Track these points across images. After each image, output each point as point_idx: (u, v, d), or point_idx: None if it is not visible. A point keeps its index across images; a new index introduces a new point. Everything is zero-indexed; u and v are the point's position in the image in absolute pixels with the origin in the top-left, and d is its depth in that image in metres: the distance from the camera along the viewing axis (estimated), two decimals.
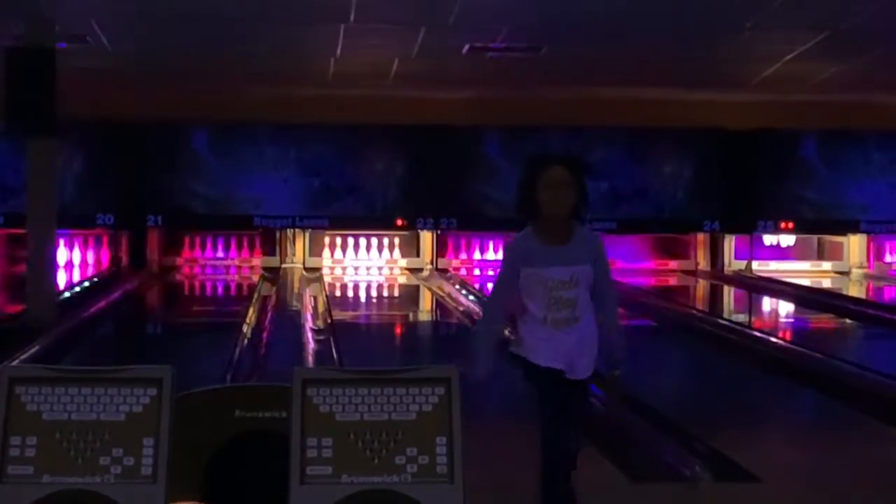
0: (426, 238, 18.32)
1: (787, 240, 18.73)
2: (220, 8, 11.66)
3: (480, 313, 5.67)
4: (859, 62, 14.22)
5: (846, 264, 18.70)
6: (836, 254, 18.92)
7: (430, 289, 16.49)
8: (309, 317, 13.13)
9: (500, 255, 18.70)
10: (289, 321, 12.96)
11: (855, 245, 18.67)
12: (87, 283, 16.17)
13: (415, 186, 17.35)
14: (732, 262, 18.54)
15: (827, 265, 18.88)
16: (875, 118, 17.39)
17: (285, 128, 17.23)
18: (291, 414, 2.24)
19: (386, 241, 18.53)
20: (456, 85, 16.08)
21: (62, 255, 17.10)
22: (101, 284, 15.90)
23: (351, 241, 18.45)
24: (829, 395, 9.17)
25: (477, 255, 18.58)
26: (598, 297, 5.23)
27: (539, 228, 5.17)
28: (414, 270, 18.14)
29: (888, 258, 18.91)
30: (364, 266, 18.41)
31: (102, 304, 13.97)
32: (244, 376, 9.14)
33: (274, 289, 15.86)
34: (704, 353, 11.80)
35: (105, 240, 18.15)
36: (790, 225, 17.86)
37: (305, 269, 17.92)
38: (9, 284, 16.29)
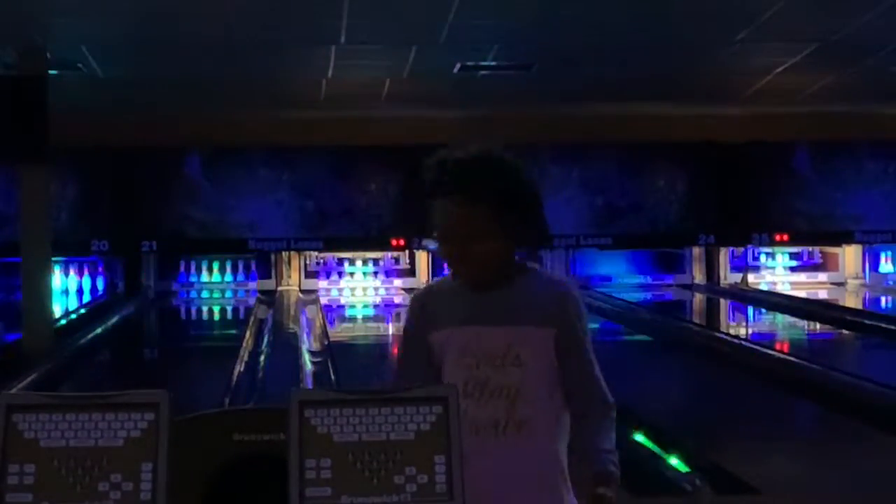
0: (422, 258, 18.31)
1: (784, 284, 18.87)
2: (210, 33, 11.68)
3: None
4: (850, 73, 14.25)
5: (842, 275, 18.71)
6: (832, 265, 18.94)
7: None
8: (306, 339, 13.12)
9: None
10: (286, 344, 12.95)
11: (851, 256, 18.69)
12: (83, 311, 16.16)
13: (409, 206, 17.34)
14: (728, 276, 18.56)
15: (823, 276, 18.89)
16: (867, 128, 17.41)
17: (278, 150, 17.23)
18: (289, 436, 2.24)
19: (381, 261, 18.52)
20: (448, 104, 16.09)
21: (58, 282, 17.08)
22: (97, 311, 15.88)
23: (346, 262, 18.46)
24: (829, 407, 9.17)
25: None
26: (569, 389, 3.08)
27: None
28: (410, 291, 18.14)
29: (883, 268, 18.92)
30: (360, 287, 18.40)
31: (99, 330, 13.96)
32: (242, 399, 9.13)
33: (270, 312, 15.85)
34: (702, 367, 11.79)
35: (100, 266, 18.13)
36: (785, 237, 17.86)
37: (301, 291, 17.91)
38: (5, 313, 16.26)
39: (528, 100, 15.85)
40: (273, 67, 13.43)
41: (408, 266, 18.57)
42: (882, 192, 17.77)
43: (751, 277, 18.46)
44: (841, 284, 18.53)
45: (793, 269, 18.90)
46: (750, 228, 17.75)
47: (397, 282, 18.49)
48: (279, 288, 18.10)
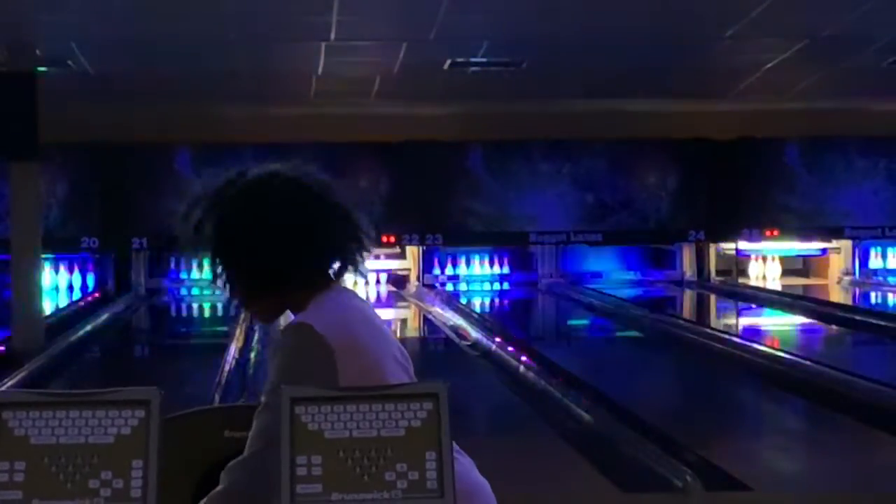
0: (412, 254, 18.31)
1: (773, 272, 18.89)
2: (200, 29, 11.66)
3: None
4: (839, 69, 14.27)
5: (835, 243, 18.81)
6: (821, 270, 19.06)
7: (416, 304, 16.47)
8: None
9: (485, 270, 18.72)
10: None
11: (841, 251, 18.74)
12: (73, 308, 16.13)
13: (400, 203, 17.32)
14: (721, 264, 18.65)
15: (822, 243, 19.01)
16: (856, 124, 17.42)
17: (268, 147, 17.15)
18: (280, 433, 2.24)
19: (372, 257, 18.50)
20: (438, 101, 16.09)
21: (48, 279, 17.04)
22: (87, 308, 15.85)
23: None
24: (819, 402, 9.17)
25: (463, 270, 18.58)
26: None
27: None
28: (400, 286, 18.14)
29: (872, 264, 18.94)
30: (350, 281, 18.37)
31: (89, 328, 13.93)
32: (233, 396, 9.12)
33: None
34: (693, 363, 11.80)
35: (90, 263, 18.10)
36: (775, 233, 17.89)
37: None
38: None
39: (518, 96, 15.85)
40: (263, 64, 13.42)
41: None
42: (872, 188, 17.79)
43: (742, 244, 18.51)
44: (837, 251, 18.56)
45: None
46: (740, 224, 17.77)
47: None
48: None
